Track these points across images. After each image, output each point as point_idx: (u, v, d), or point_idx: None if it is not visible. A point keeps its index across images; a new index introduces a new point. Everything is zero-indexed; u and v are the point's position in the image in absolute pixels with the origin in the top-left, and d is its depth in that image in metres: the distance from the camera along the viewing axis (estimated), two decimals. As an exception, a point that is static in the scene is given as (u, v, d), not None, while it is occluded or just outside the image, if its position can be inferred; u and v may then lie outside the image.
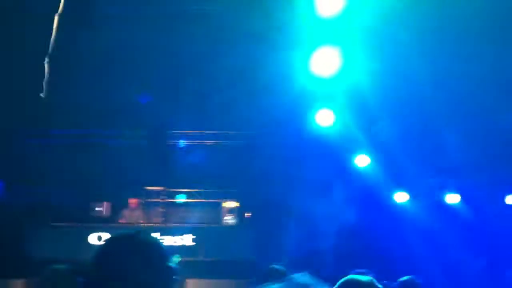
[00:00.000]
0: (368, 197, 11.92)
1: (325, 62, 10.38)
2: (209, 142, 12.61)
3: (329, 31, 9.58)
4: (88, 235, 10.37)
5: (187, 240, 10.40)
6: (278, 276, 3.56)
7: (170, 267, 1.45)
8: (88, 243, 10.28)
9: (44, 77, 9.27)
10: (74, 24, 10.79)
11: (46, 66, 8.85)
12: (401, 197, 12.06)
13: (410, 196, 12.06)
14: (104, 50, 11.29)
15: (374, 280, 2.67)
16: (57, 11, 9.37)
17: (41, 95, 8.94)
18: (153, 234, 10.26)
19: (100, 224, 10.72)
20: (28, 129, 11.91)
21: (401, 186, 12.05)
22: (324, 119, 11.15)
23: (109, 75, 11.38)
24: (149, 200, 12.39)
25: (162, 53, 11.38)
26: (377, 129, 11.65)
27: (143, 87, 11.69)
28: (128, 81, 11.46)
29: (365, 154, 11.86)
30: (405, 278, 4.41)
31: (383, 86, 9.85)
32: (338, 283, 2.68)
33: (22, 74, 10.28)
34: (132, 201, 11.40)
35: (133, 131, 12.43)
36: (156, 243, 1.48)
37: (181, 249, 10.33)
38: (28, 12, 9.51)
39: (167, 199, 12.40)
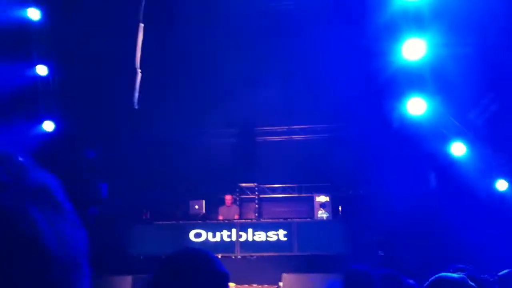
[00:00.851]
0: (466, 187, 11.45)
1: (414, 49, 10.14)
2: (297, 137, 12.72)
3: (417, 18, 9.35)
4: (188, 232, 10.83)
5: (280, 235, 10.57)
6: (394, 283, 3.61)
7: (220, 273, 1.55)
8: (189, 239, 10.75)
9: (135, 87, 9.80)
10: (158, 29, 11.32)
11: (138, 75, 9.37)
12: (501, 185, 11.47)
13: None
14: (187, 51, 11.74)
15: (466, 279, 2.64)
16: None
17: (135, 106, 9.48)
18: (248, 230, 10.57)
19: (198, 221, 11.17)
20: (126, 133, 12.63)
21: (501, 173, 11.46)
22: (415, 108, 10.88)
23: (193, 76, 11.82)
24: (243, 196, 12.74)
25: (246, 52, 11.63)
26: (473, 116, 11.17)
27: (228, 86, 12.01)
28: (213, 80, 11.84)
29: (461, 142, 11.41)
30: (504, 271, 4.26)
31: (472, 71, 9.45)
32: (429, 281, 2.67)
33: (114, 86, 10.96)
34: (227, 198, 11.77)
35: (224, 130, 12.82)
36: (210, 263, 1.57)
37: (275, 244, 10.52)
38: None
39: (260, 194, 12.67)
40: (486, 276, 4.67)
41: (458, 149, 11.41)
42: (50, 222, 0.62)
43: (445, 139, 11.55)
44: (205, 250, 1.61)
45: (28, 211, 0.59)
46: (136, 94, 9.73)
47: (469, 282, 2.58)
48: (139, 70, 9.27)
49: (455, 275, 2.65)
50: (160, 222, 11.20)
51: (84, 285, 0.65)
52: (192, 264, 1.55)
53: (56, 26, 11.34)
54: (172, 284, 1.52)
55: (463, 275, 2.66)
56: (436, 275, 2.63)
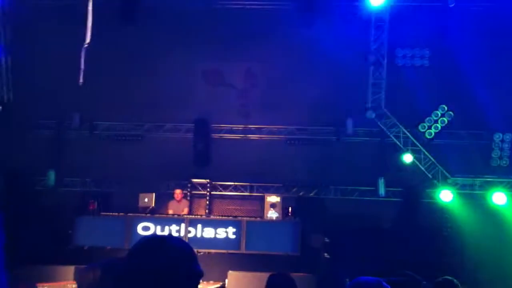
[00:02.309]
0: (411, 195, 11.80)
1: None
2: (252, 136, 12.76)
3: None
4: (136, 224, 10.69)
5: (229, 232, 10.59)
6: None
7: (195, 271, 1.55)
8: (136, 232, 10.61)
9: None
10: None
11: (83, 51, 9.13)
12: (444, 196, 11.84)
13: None
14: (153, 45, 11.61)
15: (381, 281, 2.74)
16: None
17: (80, 83, 9.24)
18: (197, 225, 10.53)
19: (146, 214, 11.04)
20: (79, 122, 12.39)
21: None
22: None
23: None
24: (194, 192, 12.67)
25: (210, 48, 11.58)
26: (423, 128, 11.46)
27: (188, 82, 11.94)
28: (174, 75, 11.75)
29: (409, 153, 11.72)
30: (440, 278, 4.41)
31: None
32: (347, 284, 2.76)
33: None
34: (177, 193, 11.68)
35: (179, 125, 12.72)
36: (184, 248, 1.58)
37: (224, 241, 10.53)
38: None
39: (212, 191, 12.63)
40: (424, 282, 4.81)
41: (407, 158, 11.76)
42: None
43: (396, 148, 11.87)
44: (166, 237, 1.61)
45: None
46: (82, 70, 9.48)
47: (384, 284, 2.68)
48: (86, 45, 9.04)
49: (371, 278, 2.74)
50: (107, 214, 11.01)
51: None
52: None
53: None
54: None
55: (378, 278, 2.76)
56: (355, 279, 2.73)
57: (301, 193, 12.19)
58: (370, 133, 12.17)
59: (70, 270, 9.28)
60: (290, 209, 10.93)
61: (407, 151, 11.72)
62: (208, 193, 12.62)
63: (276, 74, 11.81)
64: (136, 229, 10.67)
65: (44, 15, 11.05)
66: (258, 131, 12.73)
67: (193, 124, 12.50)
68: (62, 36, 10.64)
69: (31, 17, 10.98)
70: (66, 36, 10.32)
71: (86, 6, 8.88)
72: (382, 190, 11.68)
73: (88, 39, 8.85)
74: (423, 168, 11.69)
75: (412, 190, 11.71)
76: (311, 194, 12.15)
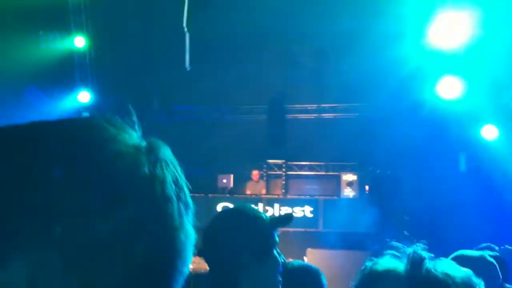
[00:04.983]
0: (497, 171, 11.34)
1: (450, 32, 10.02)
2: (326, 115, 12.75)
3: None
4: (216, 204, 11.08)
5: (306, 211, 10.72)
6: None
7: (270, 235, 1.68)
8: (216, 212, 10.99)
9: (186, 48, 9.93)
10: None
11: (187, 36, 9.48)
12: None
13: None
14: (225, 30, 11.81)
15: (485, 255, 2.71)
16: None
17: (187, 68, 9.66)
18: (275, 205, 10.74)
19: (225, 195, 11.41)
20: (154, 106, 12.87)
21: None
22: (448, 90, 10.79)
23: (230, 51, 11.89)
24: (270, 172, 12.89)
25: (279, 30, 11.64)
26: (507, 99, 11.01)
27: (261, 62, 12.07)
28: (246, 56, 11.90)
29: (493, 125, 11.27)
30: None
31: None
32: (449, 257, 2.76)
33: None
34: (254, 173, 11.95)
35: (254, 106, 12.93)
36: (258, 215, 1.70)
37: (301, 220, 10.68)
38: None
39: (287, 171, 12.80)
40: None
41: (490, 132, 11.27)
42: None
43: (477, 122, 11.43)
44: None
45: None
46: (187, 56, 9.90)
47: (488, 258, 2.65)
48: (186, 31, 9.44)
49: (474, 251, 2.73)
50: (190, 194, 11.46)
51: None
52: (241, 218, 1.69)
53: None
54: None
55: (482, 253, 2.73)
56: (456, 252, 2.71)
57: (378, 171, 12.08)
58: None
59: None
60: (367, 187, 10.88)
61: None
62: (284, 173, 12.79)
63: (347, 52, 11.67)
64: (216, 209, 11.07)
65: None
66: (331, 109, 12.70)
67: (267, 106, 12.67)
68: (138, 21, 11.06)
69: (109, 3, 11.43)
70: (142, 21, 10.75)
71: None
72: (463, 166, 11.33)
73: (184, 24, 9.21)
74: None
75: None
76: (388, 172, 12.00)
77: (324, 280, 2.28)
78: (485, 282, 1.29)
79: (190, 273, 0.68)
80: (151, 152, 0.68)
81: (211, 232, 1.69)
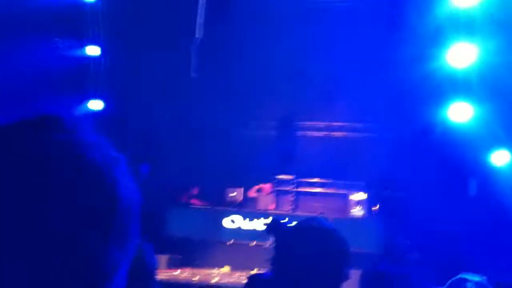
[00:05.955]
0: (507, 197, 11.23)
1: (461, 54, 10.02)
2: (336, 133, 12.73)
3: (466, 24, 9.23)
4: (223, 218, 11.05)
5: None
6: None
7: (343, 254, 1.70)
8: (222, 225, 10.96)
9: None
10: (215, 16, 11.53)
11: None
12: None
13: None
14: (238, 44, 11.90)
15: (485, 281, 2.71)
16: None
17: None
18: (282, 221, 10.72)
19: (234, 208, 11.38)
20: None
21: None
22: (459, 113, 10.76)
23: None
24: (279, 188, 12.83)
25: (291, 46, 11.72)
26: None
27: (271, 77, 12.14)
28: (258, 73, 11.98)
29: (505, 150, 11.18)
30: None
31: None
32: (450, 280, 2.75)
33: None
34: (264, 188, 11.92)
35: (265, 122, 12.95)
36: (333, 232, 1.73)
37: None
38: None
39: (296, 188, 12.74)
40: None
41: (502, 157, 11.15)
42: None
43: (489, 146, 11.35)
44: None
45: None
46: (195, 64, 10.06)
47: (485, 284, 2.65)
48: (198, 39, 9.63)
49: (476, 276, 2.72)
50: (196, 206, 11.48)
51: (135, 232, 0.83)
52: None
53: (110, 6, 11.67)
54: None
55: (483, 278, 2.73)
56: (459, 275, 2.72)
57: (387, 191, 12.00)
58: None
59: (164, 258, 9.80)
60: (375, 207, 10.82)
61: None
62: (293, 190, 12.74)
63: (359, 71, 11.70)
64: (223, 222, 11.05)
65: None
66: (341, 128, 12.68)
67: (278, 122, 12.68)
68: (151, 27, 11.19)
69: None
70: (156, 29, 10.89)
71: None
72: (473, 191, 11.23)
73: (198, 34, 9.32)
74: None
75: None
76: (397, 193, 11.94)
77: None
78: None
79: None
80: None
81: None
